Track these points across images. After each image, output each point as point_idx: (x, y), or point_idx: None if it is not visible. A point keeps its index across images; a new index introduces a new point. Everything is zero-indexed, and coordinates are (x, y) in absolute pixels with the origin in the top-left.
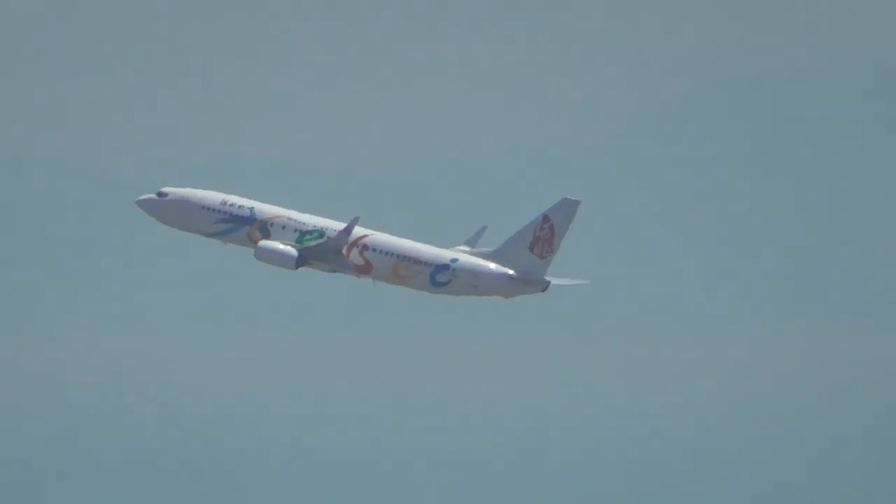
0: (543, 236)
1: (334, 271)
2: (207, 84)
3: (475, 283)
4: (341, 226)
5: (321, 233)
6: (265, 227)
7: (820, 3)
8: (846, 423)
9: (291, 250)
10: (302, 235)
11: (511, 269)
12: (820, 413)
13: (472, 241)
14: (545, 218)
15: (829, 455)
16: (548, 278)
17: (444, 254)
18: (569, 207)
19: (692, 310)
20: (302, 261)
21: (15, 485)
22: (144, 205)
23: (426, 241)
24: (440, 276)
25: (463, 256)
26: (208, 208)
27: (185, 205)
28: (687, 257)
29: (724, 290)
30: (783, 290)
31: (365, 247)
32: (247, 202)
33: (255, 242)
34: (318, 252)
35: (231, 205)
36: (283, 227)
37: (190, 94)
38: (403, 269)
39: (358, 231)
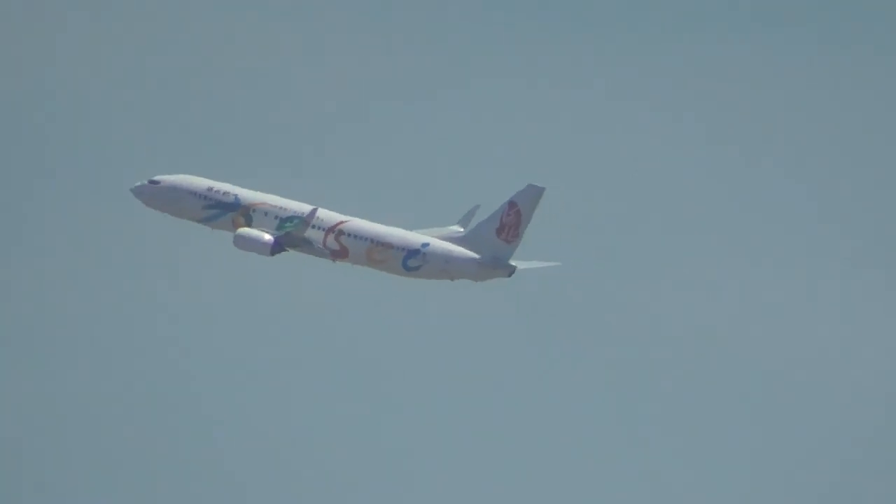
0: (510, 222)
1: (316, 256)
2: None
3: (445, 267)
4: (324, 212)
5: (301, 219)
6: (248, 214)
7: None
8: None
9: (268, 238)
10: (282, 222)
11: (479, 253)
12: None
13: (464, 221)
14: (511, 204)
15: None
16: (515, 263)
17: (416, 239)
18: (534, 194)
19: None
20: (278, 247)
21: None
22: (138, 192)
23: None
24: (411, 261)
25: (434, 241)
26: (196, 195)
27: (175, 192)
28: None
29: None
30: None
31: (341, 232)
32: (232, 189)
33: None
34: (289, 239)
35: (216, 191)
36: (266, 214)
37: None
38: (377, 253)
39: (336, 217)
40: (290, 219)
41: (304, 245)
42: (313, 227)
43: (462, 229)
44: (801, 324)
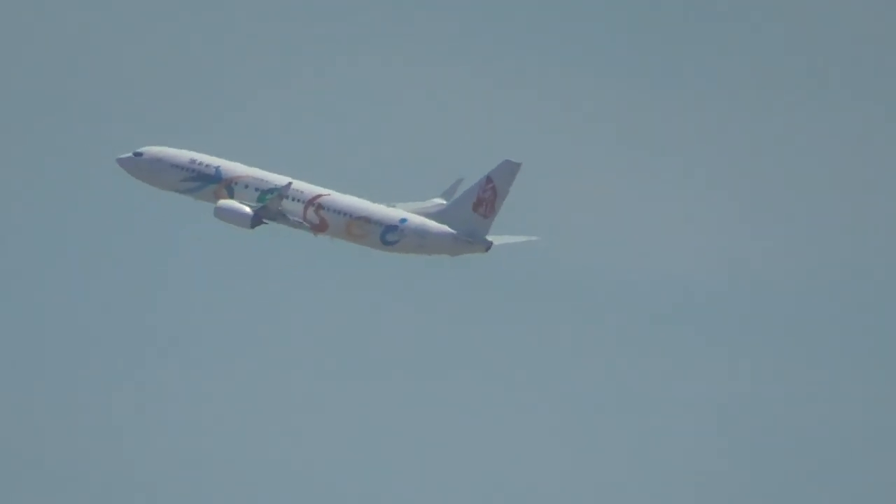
0: (487, 197)
1: (296, 229)
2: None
3: (422, 242)
4: (304, 185)
5: (278, 191)
6: (230, 186)
7: None
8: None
9: (247, 210)
10: (263, 194)
11: (455, 228)
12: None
13: (447, 194)
14: (488, 179)
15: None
16: (492, 238)
17: (394, 214)
18: (510, 169)
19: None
20: (258, 220)
21: None
22: (123, 163)
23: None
24: (390, 236)
25: (412, 217)
26: (178, 167)
27: (158, 164)
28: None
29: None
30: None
31: (320, 206)
32: (214, 161)
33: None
34: (267, 212)
35: (199, 163)
36: (247, 186)
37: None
38: (356, 228)
39: (317, 190)
40: (270, 191)
41: (283, 218)
42: (294, 199)
43: (445, 202)
44: None
